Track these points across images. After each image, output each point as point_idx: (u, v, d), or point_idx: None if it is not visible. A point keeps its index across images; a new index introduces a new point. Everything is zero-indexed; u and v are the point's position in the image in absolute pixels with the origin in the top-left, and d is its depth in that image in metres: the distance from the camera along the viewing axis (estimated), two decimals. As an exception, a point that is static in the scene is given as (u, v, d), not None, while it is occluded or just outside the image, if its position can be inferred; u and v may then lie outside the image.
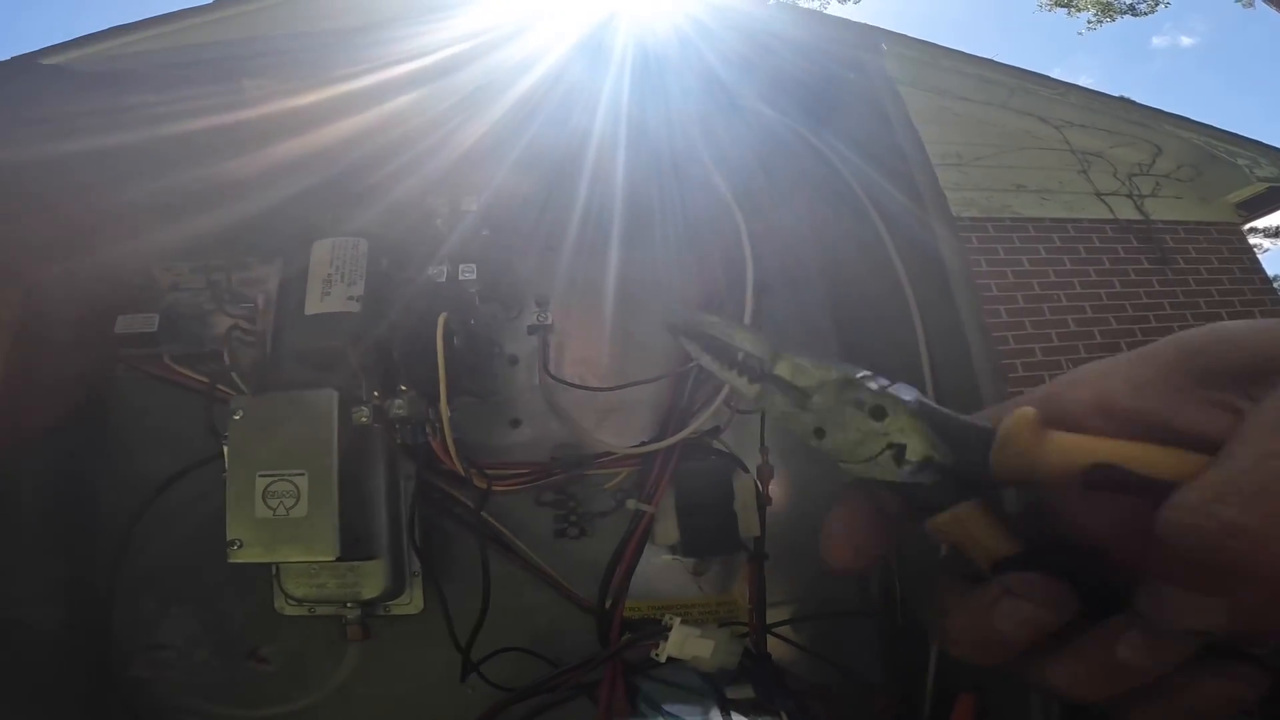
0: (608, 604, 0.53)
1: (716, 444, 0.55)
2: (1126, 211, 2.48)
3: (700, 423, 0.51)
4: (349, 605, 0.51)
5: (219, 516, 0.54)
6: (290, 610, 0.52)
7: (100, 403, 0.57)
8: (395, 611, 0.53)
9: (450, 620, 0.50)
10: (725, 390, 0.50)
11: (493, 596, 0.54)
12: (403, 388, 0.46)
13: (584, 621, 0.56)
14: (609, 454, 0.54)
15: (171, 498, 0.54)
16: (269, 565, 0.52)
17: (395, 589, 0.51)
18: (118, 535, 0.52)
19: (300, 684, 0.56)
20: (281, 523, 0.45)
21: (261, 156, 0.52)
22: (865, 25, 0.63)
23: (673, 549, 0.56)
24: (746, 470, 0.55)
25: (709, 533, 0.54)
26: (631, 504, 0.53)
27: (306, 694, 0.55)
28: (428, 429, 0.48)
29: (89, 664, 0.54)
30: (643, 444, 0.53)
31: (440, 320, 0.43)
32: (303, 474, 0.45)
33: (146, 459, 0.55)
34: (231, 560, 0.45)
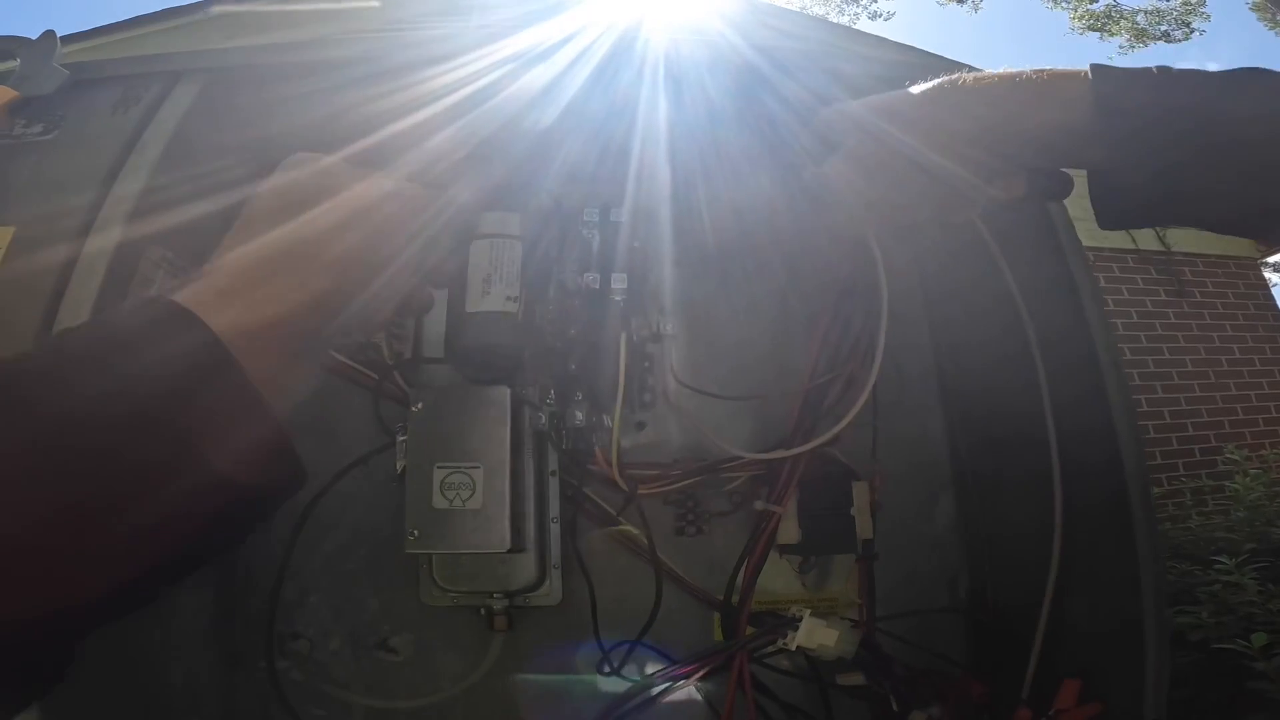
0: (735, 599, 0.56)
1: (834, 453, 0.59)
2: (1148, 242, 2.56)
3: (832, 434, 0.54)
4: (495, 596, 0.54)
5: (359, 508, 0.56)
6: (437, 600, 0.55)
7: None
8: (535, 603, 0.56)
9: (595, 610, 0.53)
10: (860, 404, 0.53)
11: (616, 589, 0.58)
12: (579, 396, 0.49)
13: (694, 612, 0.60)
14: (738, 458, 0.57)
15: (313, 490, 0.56)
16: (413, 556, 0.55)
17: (539, 580, 0.54)
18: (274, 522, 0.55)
19: (430, 674, 0.59)
20: (458, 514, 0.47)
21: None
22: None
23: (787, 548, 0.60)
24: (860, 478, 0.59)
25: (829, 534, 0.57)
26: (760, 505, 0.57)
27: (440, 685, 0.58)
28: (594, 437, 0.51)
29: (228, 653, 0.57)
30: (776, 450, 0.56)
31: (622, 339, 0.46)
32: (478, 467, 0.48)
33: (303, 449, 0.57)
34: (409, 550, 0.47)
